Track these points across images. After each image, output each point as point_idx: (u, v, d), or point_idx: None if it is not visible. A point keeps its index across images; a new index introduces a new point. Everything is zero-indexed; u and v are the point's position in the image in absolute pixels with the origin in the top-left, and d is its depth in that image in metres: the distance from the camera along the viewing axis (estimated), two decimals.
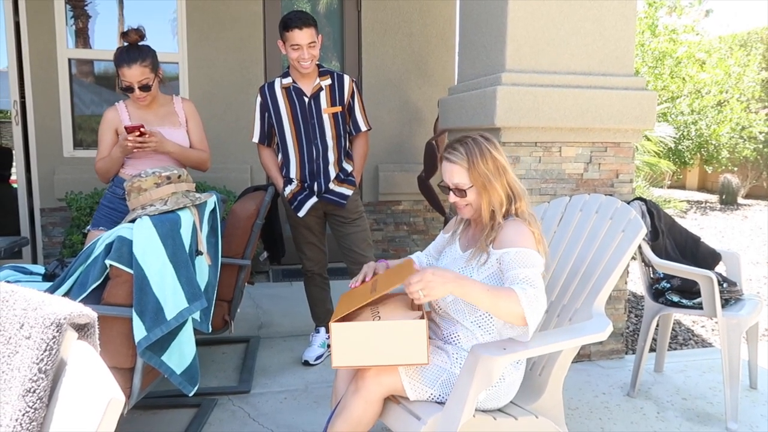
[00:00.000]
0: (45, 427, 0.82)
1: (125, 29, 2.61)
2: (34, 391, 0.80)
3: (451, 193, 1.86)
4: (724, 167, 11.20)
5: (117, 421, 0.77)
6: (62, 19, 4.38)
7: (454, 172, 1.82)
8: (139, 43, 2.62)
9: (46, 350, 0.82)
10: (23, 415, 0.80)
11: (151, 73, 2.60)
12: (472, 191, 1.82)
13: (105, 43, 4.59)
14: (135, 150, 2.58)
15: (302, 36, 2.72)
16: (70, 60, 4.46)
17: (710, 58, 11.00)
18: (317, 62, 2.85)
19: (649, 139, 7.95)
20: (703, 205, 10.51)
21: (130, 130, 2.52)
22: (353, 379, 1.81)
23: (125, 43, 2.61)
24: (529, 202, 1.87)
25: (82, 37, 4.56)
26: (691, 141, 10.79)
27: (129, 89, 2.60)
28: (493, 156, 1.80)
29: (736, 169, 11.34)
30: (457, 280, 1.61)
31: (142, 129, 2.52)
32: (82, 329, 0.89)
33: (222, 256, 2.53)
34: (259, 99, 2.91)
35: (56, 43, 4.39)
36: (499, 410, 1.86)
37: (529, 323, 1.61)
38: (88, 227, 2.75)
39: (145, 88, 2.60)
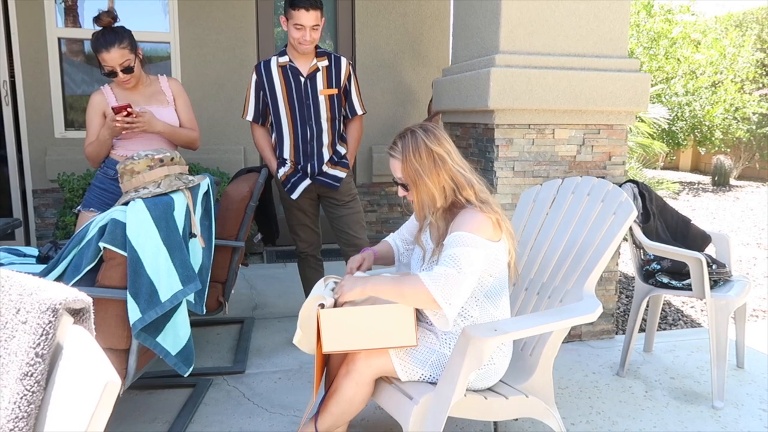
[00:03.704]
0: (43, 409, 0.83)
1: (97, 13, 2.56)
2: (32, 375, 0.82)
3: (399, 187, 1.87)
4: (717, 148, 11.25)
5: (113, 402, 0.78)
6: None
7: (395, 167, 1.83)
8: (114, 25, 2.58)
9: (42, 335, 0.83)
10: (21, 398, 0.81)
11: (130, 54, 2.57)
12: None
13: None
14: (124, 131, 2.57)
15: (308, 17, 2.69)
16: (59, 39, 4.40)
17: (705, 39, 10.97)
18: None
19: (642, 121, 7.96)
20: (695, 186, 10.57)
21: (117, 110, 2.50)
22: (344, 361, 1.83)
23: (99, 28, 2.57)
24: (482, 189, 1.82)
25: (72, 16, 4.50)
26: (684, 122, 10.81)
27: (112, 74, 2.58)
28: (429, 148, 1.77)
29: (729, 150, 11.39)
30: (361, 284, 1.76)
31: (129, 109, 2.51)
32: (77, 314, 0.90)
33: (216, 238, 2.53)
34: (254, 77, 2.89)
35: (45, 22, 4.33)
36: (490, 389, 1.89)
37: (439, 303, 1.62)
38: (79, 207, 2.75)
39: (127, 70, 2.58)
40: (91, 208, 2.69)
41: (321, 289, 1.89)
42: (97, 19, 2.55)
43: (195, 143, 2.84)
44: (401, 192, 1.86)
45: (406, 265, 2.12)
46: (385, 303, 1.80)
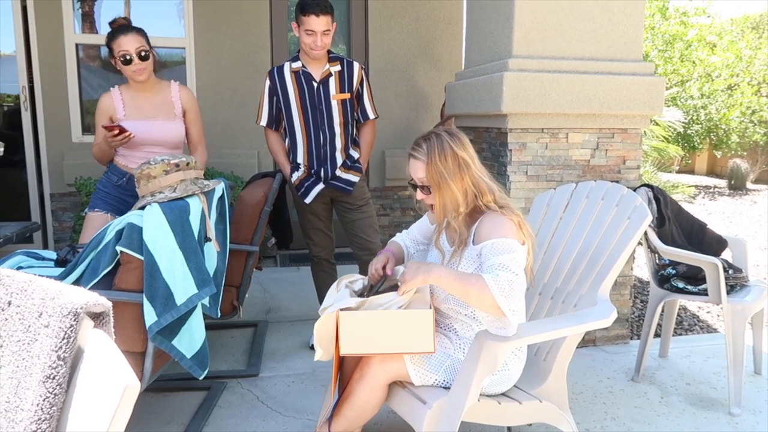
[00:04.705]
0: (64, 411, 0.85)
1: (113, 18, 2.67)
2: (54, 378, 0.84)
3: (417, 190, 1.85)
4: (733, 152, 11.12)
5: (133, 405, 0.80)
6: (69, 4, 4.39)
7: (417, 169, 1.81)
8: None
9: (64, 338, 0.85)
10: (44, 400, 0.83)
11: (147, 44, 2.64)
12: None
13: None
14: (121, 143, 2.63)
15: (318, 23, 2.72)
16: (77, 45, 4.47)
17: (721, 41, 10.87)
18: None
19: (657, 124, 7.90)
20: (711, 190, 10.45)
21: (108, 129, 2.55)
22: (358, 365, 1.84)
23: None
24: (501, 195, 1.83)
25: (89, 22, 4.56)
26: (700, 125, 10.71)
27: (128, 61, 2.61)
28: (454, 152, 1.77)
29: (745, 153, 11.25)
30: (424, 272, 1.70)
31: (119, 128, 2.56)
32: (97, 318, 0.91)
33: (230, 243, 2.55)
34: (267, 83, 2.92)
35: (63, 28, 4.40)
36: (503, 395, 1.89)
37: (503, 309, 1.60)
38: (86, 210, 2.80)
39: (143, 57, 2.62)
40: (96, 209, 2.74)
41: (334, 296, 1.90)
42: (113, 23, 2.64)
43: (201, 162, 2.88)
44: (420, 195, 1.84)
45: None
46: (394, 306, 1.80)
